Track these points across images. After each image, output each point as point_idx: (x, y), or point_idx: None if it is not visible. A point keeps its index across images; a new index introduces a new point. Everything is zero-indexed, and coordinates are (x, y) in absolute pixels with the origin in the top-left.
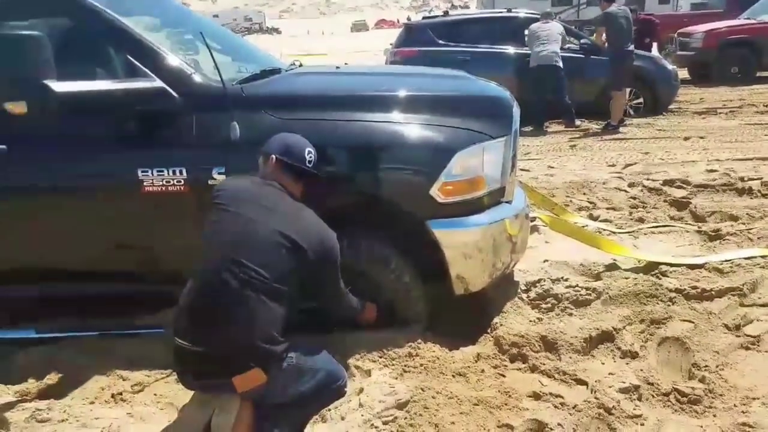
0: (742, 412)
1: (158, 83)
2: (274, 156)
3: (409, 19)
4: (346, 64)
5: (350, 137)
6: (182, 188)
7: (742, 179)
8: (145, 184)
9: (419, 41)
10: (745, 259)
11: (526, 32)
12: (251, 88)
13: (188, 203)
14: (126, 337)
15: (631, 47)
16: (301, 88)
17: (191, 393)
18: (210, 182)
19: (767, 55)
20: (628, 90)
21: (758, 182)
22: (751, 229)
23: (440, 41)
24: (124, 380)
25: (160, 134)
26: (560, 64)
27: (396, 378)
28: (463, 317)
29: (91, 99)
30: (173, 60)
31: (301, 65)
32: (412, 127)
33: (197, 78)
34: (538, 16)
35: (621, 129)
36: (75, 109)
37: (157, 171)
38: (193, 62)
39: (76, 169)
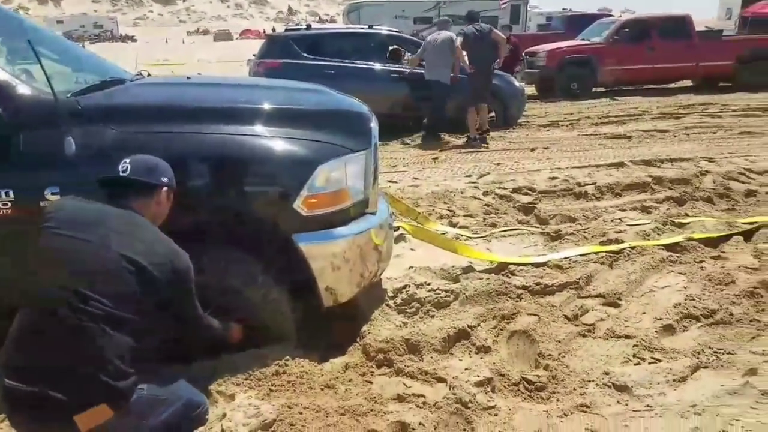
0: (580, 394)
1: None
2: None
3: (273, 30)
4: (199, 74)
5: (204, 151)
6: (9, 212)
7: (579, 184)
8: None
9: (282, 53)
10: (581, 255)
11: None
12: (88, 100)
13: (17, 229)
14: None
15: (494, 66)
16: (146, 99)
17: None
18: (42, 204)
19: (601, 73)
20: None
21: (592, 186)
22: (586, 228)
23: (304, 54)
24: None
25: None
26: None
27: (262, 399)
28: (333, 328)
29: None
30: None
31: (149, 75)
32: (271, 141)
33: (23, 90)
34: (400, 34)
35: (483, 141)
36: None
37: None
38: (24, 73)
39: None
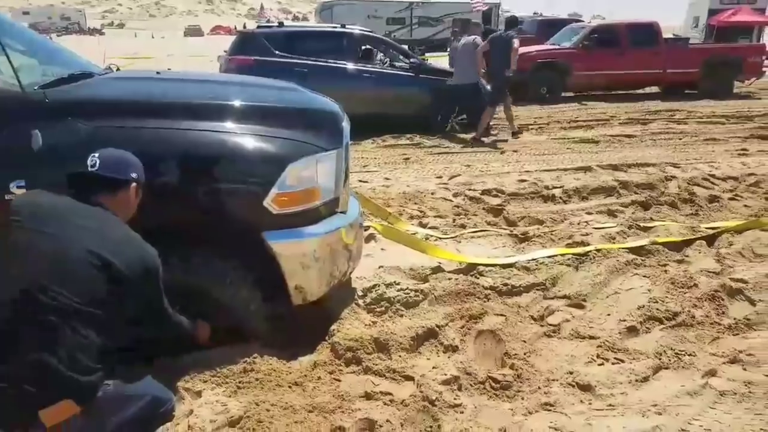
0: (545, 393)
1: None
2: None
3: (244, 26)
4: (169, 69)
5: (173, 147)
6: None
7: (547, 187)
8: None
9: (254, 50)
10: (548, 257)
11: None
12: (56, 94)
13: None
14: None
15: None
16: (115, 93)
17: None
18: (7, 197)
19: (570, 78)
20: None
21: (560, 190)
22: (553, 230)
23: (276, 52)
24: None
25: None
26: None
27: (229, 396)
28: (302, 327)
29: None
30: None
31: (118, 69)
32: (242, 137)
33: None
34: (373, 34)
35: (484, 140)
36: None
37: None
38: None
39: None
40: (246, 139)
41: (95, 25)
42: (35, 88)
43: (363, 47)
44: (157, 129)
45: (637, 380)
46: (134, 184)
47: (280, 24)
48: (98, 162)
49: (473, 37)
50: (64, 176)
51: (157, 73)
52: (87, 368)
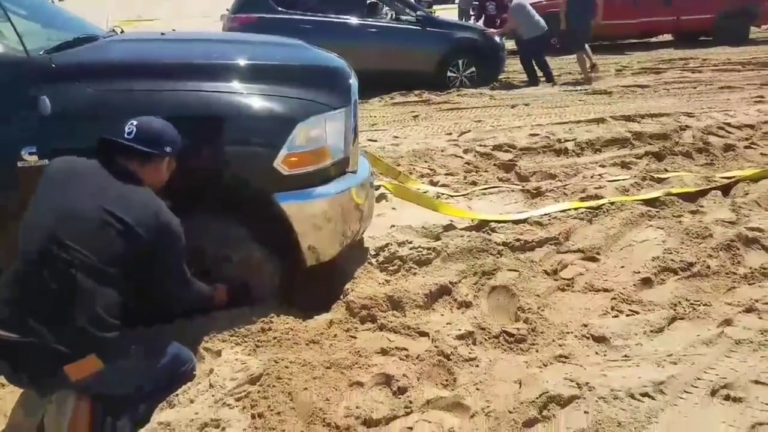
0: (559, 345)
1: None
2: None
3: None
4: (173, 30)
5: (181, 109)
6: None
7: (559, 141)
8: None
9: (256, 7)
10: (561, 212)
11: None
12: (62, 58)
13: None
14: None
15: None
16: (121, 56)
17: (19, 395)
18: (20, 164)
19: None
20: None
21: (572, 143)
22: (566, 185)
23: (279, 8)
24: None
25: None
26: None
27: (248, 354)
28: (317, 287)
29: None
30: None
31: (122, 32)
32: (249, 98)
33: None
34: None
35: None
36: None
37: None
38: None
39: None
40: (253, 99)
41: None
42: (41, 53)
43: (368, 1)
44: (163, 91)
45: (651, 331)
46: (167, 158)
47: None
48: (134, 131)
49: None
50: (73, 140)
51: (162, 34)
52: (110, 325)
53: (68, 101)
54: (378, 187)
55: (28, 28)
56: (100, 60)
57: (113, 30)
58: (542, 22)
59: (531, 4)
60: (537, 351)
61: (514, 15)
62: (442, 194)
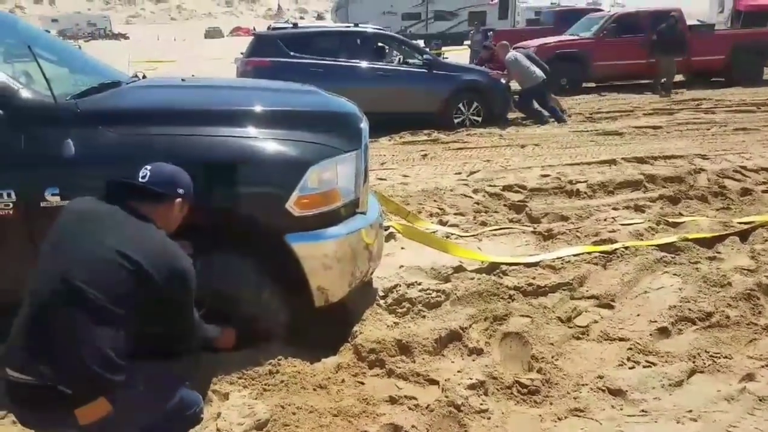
0: (574, 398)
1: None
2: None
3: (254, 29)
4: (193, 76)
5: (199, 153)
6: (11, 212)
7: (570, 182)
8: None
9: (270, 52)
10: (574, 255)
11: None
12: (87, 103)
13: (18, 228)
14: None
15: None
16: (142, 102)
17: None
18: (43, 204)
19: (590, 68)
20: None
21: (584, 184)
22: (579, 228)
23: (291, 53)
24: None
25: None
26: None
27: (256, 398)
28: (325, 328)
29: None
30: None
31: (144, 77)
32: (264, 142)
33: (25, 94)
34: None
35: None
36: None
37: None
38: (24, 75)
39: None
40: (268, 143)
41: (120, 30)
42: (67, 98)
43: (375, 45)
44: (182, 136)
45: (670, 384)
46: (179, 199)
47: (295, 25)
48: (148, 175)
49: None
50: (95, 182)
51: (182, 80)
52: (116, 366)
53: (91, 145)
54: (387, 227)
55: (56, 73)
56: (122, 106)
57: (135, 75)
58: (538, 72)
59: (537, 46)
60: (551, 404)
61: (509, 67)
62: (452, 234)
